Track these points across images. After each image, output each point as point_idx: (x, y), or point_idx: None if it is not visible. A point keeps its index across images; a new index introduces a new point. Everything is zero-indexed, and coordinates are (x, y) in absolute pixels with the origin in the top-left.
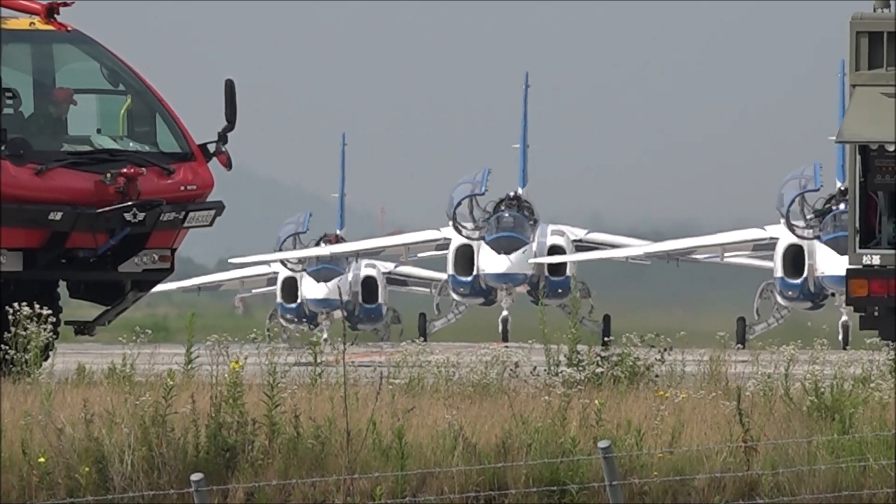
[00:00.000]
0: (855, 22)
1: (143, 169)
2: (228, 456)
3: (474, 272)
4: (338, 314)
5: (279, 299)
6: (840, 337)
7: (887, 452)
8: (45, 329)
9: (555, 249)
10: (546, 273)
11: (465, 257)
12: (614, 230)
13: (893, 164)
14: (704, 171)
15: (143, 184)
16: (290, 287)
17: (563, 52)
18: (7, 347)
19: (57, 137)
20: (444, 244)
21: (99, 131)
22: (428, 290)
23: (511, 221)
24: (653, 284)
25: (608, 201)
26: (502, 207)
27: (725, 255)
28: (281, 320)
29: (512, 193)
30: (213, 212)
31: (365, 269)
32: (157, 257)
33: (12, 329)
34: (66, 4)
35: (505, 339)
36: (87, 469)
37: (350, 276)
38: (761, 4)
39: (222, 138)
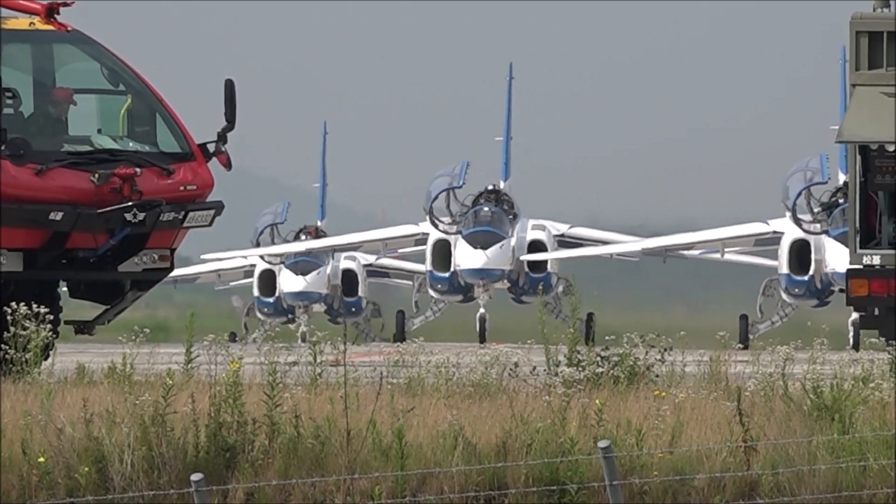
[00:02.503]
0: (855, 22)
1: (138, 169)
2: (228, 456)
3: (452, 268)
4: (317, 308)
5: (256, 292)
6: (850, 335)
7: (887, 452)
8: (44, 328)
9: (535, 244)
10: (526, 269)
11: (443, 252)
12: (613, 227)
13: (893, 164)
14: (702, 168)
15: (142, 184)
16: (268, 280)
17: (558, 46)
18: (7, 347)
19: (57, 137)
20: (422, 239)
21: (99, 131)
22: (410, 282)
23: (488, 216)
24: (647, 282)
25: (606, 198)
26: (481, 201)
27: (725, 251)
28: (258, 314)
29: (491, 187)
30: (212, 212)
31: (345, 261)
32: (156, 257)
33: (12, 329)
34: (66, 4)
35: (482, 340)
36: (87, 469)
37: (329, 268)
38: (760, 4)
39: (222, 138)
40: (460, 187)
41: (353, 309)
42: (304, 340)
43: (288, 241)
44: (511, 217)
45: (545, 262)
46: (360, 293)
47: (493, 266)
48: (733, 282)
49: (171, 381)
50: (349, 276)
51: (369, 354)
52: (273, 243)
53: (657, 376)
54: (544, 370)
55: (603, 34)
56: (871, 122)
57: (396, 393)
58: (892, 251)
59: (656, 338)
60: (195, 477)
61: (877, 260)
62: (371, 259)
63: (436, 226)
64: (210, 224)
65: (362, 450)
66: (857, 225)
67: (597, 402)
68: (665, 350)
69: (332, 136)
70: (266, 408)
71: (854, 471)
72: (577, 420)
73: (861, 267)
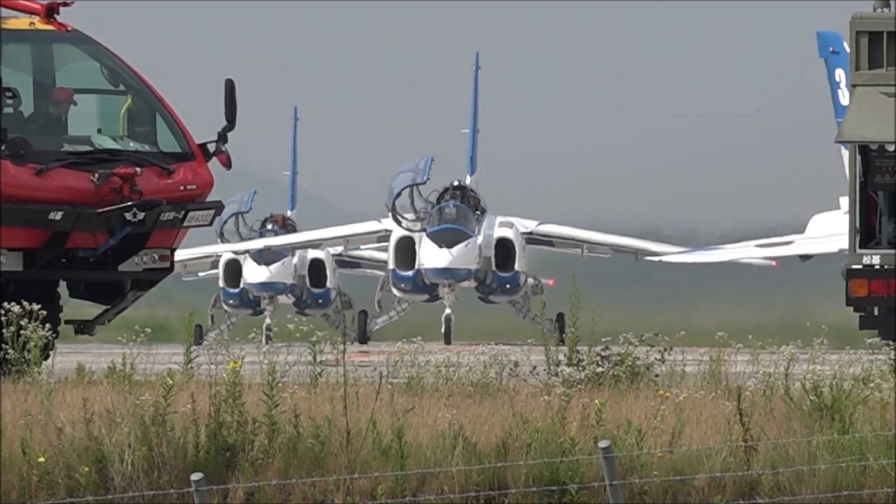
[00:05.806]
0: (855, 22)
1: (138, 168)
2: (228, 456)
3: (416, 266)
4: (284, 299)
5: (221, 283)
6: None
7: (887, 452)
8: (40, 327)
9: (502, 242)
10: (493, 268)
11: (407, 250)
12: (612, 228)
13: (893, 164)
14: (701, 169)
15: (142, 184)
16: (233, 270)
17: (557, 42)
18: (7, 347)
19: (57, 137)
20: (385, 236)
21: (99, 131)
22: (383, 273)
23: (454, 213)
24: (647, 282)
25: (604, 199)
26: (446, 197)
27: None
28: (224, 306)
29: (456, 182)
30: (212, 211)
31: (312, 251)
32: (156, 257)
33: (10, 328)
34: (66, 4)
35: (447, 341)
36: (87, 469)
37: (296, 258)
38: (758, 4)
39: (222, 138)
40: (424, 183)
41: (322, 300)
42: (268, 340)
43: (254, 231)
44: (478, 214)
45: (513, 261)
46: (328, 284)
47: (458, 265)
48: (734, 282)
49: (171, 381)
50: (318, 267)
51: (367, 355)
52: (238, 232)
53: (657, 376)
54: (544, 370)
55: (590, 26)
56: (871, 122)
57: (396, 393)
58: (892, 251)
59: (654, 336)
60: (195, 477)
61: (876, 260)
62: (340, 249)
63: (399, 223)
64: (210, 223)
65: (362, 450)
66: (857, 225)
67: (597, 402)
68: (665, 350)
69: (333, 135)
70: (266, 408)
71: (854, 471)
72: (577, 420)
73: (861, 267)
